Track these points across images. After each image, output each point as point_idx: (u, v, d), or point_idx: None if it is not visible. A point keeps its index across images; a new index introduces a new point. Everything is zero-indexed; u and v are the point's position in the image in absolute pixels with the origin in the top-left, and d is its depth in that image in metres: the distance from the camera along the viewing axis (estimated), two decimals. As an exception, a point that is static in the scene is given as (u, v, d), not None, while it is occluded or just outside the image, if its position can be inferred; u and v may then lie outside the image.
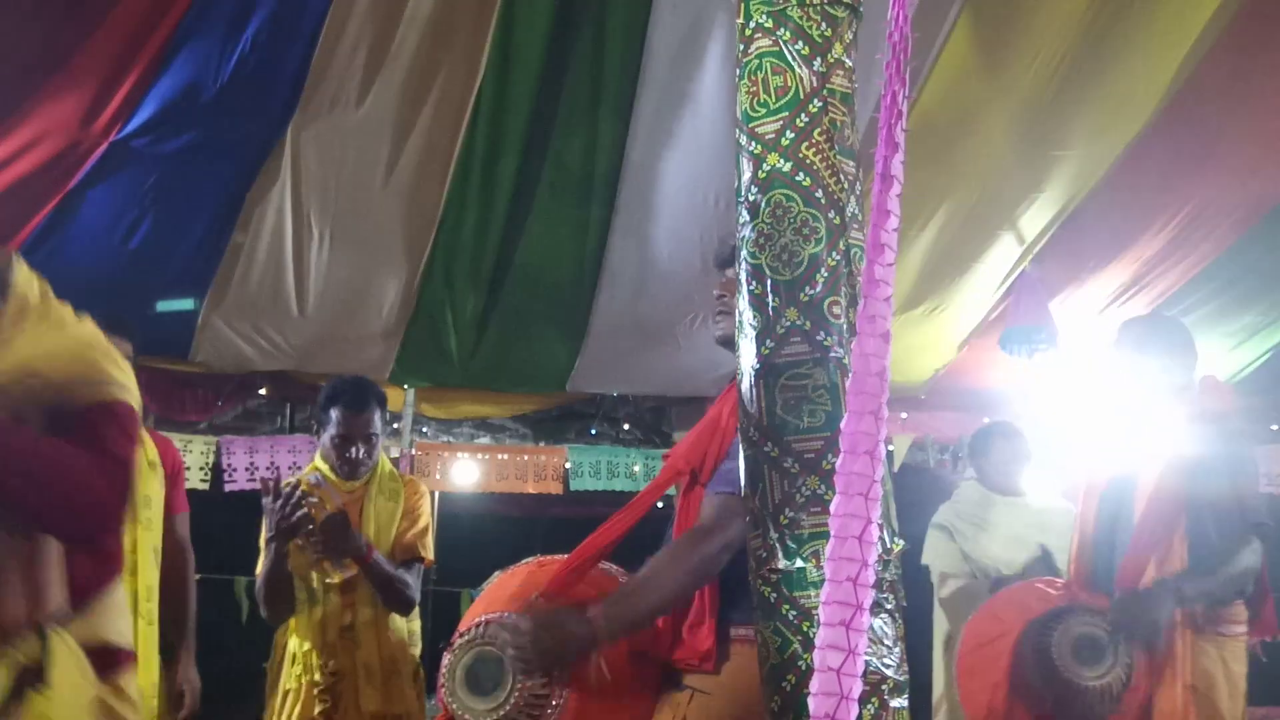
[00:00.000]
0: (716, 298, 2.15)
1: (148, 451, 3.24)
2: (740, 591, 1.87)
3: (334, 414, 3.10)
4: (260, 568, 2.92)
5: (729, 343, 2.12)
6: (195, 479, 4.96)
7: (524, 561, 2.07)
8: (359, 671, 2.96)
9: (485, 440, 6.11)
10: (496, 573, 2.10)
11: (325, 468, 3.16)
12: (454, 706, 1.79)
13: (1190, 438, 2.80)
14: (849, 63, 1.43)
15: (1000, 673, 2.56)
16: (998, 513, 3.91)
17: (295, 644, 2.99)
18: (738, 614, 1.89)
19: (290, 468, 5.18)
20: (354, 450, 3.10)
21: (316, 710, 2.91)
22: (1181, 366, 2.92)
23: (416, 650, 3.18)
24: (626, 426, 6.17)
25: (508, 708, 1.77)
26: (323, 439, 3.16)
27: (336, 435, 3.09)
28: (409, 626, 3.16)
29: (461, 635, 1.82)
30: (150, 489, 3.11)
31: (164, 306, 4.48)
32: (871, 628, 1.24)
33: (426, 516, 3.24)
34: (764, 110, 1.41)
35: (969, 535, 3.90)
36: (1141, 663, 2.59)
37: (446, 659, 1.82)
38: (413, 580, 3.10)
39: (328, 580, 2.96)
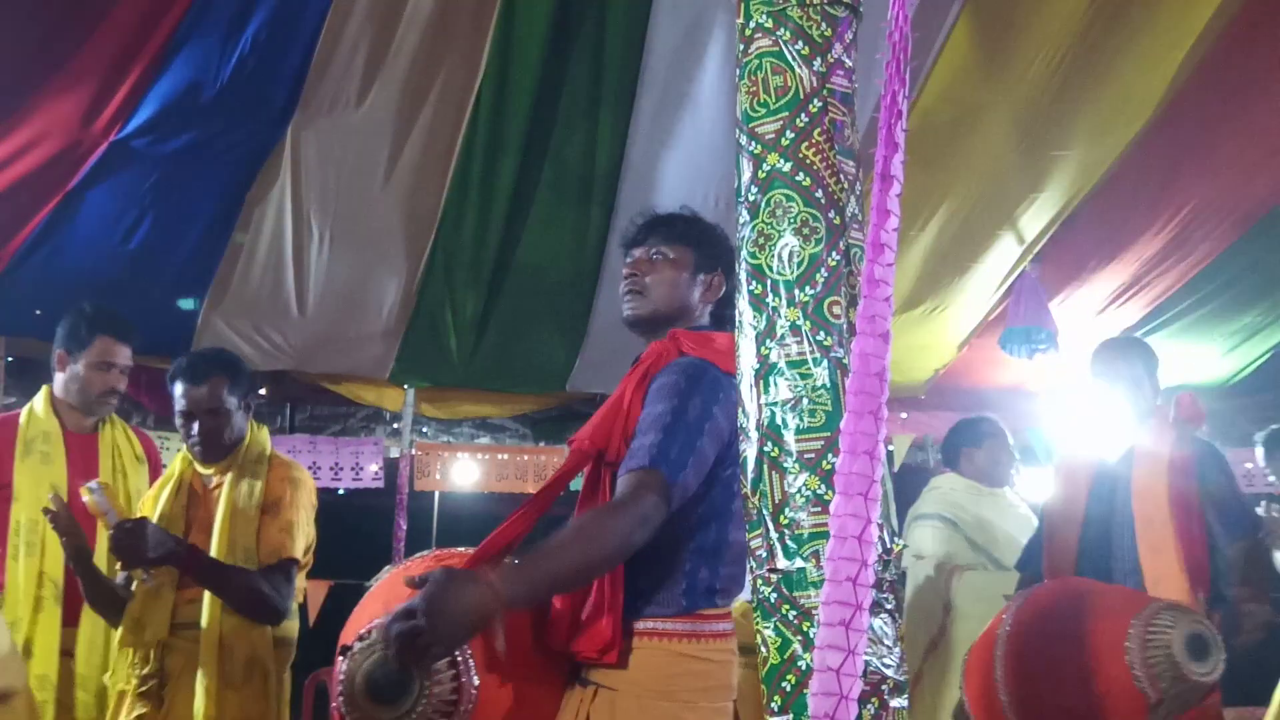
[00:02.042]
0: (626, 276, 2.09)
1: (134, 447, 3.21)
2: (649, 581, 1.81)
3: (174, 389, 2.82)
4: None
5: (637, 324, 2.08)
6: (195, 479, 4.96)
7: (419, 555, 1.90)
8: (217, 673, 2.63)
9: (485, 440, 6.11)
10: (387, 568, 1.93)
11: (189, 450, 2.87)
12: (354, 717, 1.62)
13: (1178, 443, 2.98)
14: (849, 63, 1.43)
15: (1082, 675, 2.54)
16: (989, 504, 3.93)
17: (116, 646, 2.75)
18: (645, 605, 1.81)
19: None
20: (195, 425, 2.78)
21: (134, 715, 2.63)
22: (1154, 384, 3.18)
23: (289, 658, 2.86)
24: (626, 426, 6.17)
25: (414, 715, 1.59)
26: (62, 366, 2.92)
27: (178, 412, 2.80)
28: (282, 630, 2.81)
29: (360, 640, 1.65)
30: (139, 483, 3.10)
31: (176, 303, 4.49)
32: (871, 628, 1.24)
33: (293, 507, 2.83)
34: (764, 110, 1.41)
35: (972, 525, 3.89)
36: None
37: (344, 666, 1.64)
38: (270, 587, 2.71)
39: (145, 583, 2.68)
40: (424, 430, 5.86)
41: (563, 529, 1.70)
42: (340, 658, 1.65)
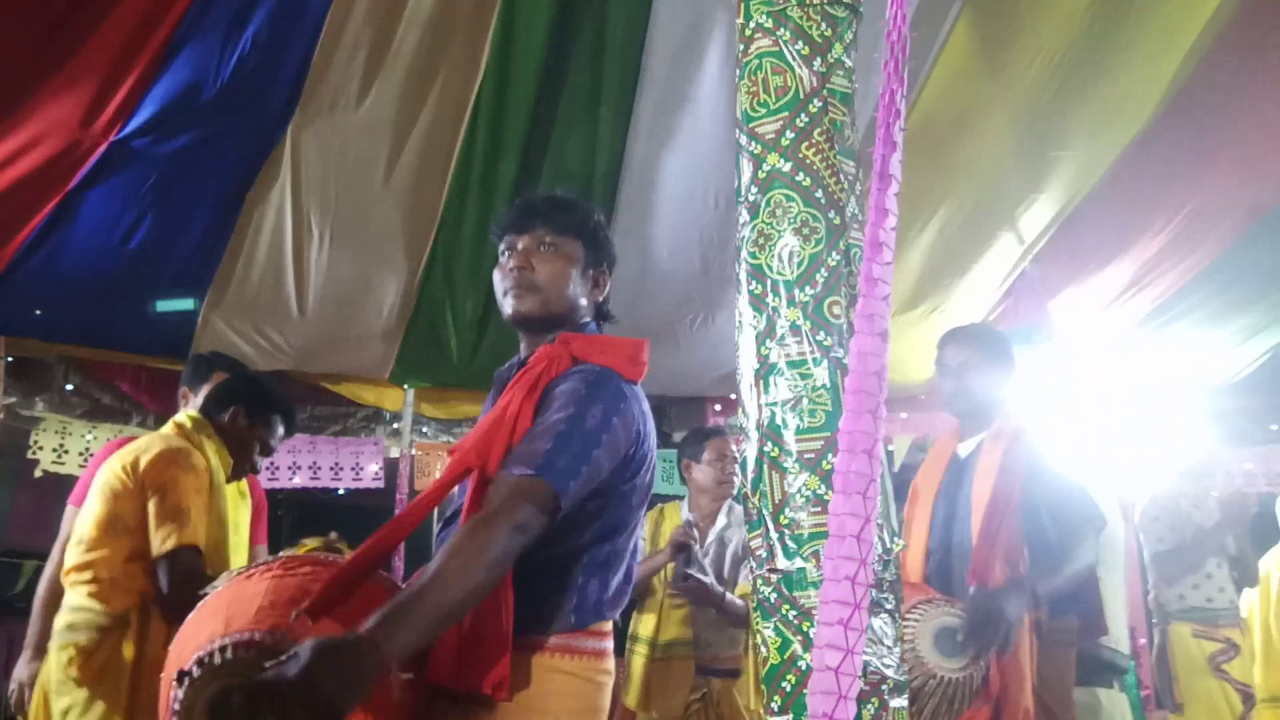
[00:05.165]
0: (512, 267, 1.88)
1: (239, 483, 3.20)
2: (538, 599, 1.67)
3: (277, 425, 3.10)
4: None
5: (528, 322, 1.90)
6: (195, 479, 4.96)
7: (264, 561, 1.70)
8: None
9: (485, 440, 6.10)
10: (225, 576, 1.72)
11: (206, 449, 2.93)
12: None
13: (1019, 438, 2.85)
14: (849, 63, 1.43)
15: None
16: None
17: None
18: (533, 623, 1.66)
19: (290, 467, 5.18)
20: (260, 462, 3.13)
21: None
22: (1005, 374, 3.02)
23: None
24: (626, 426, 6.16)
25: None
26: (234, 422, 3.02)
27: (266, 444, 3.08)
28: None
29: (200, 663, 1.44)
30: (239, 517, 3.10)
31: (164, 306, 4.48)
32: (871, 627, 1.24)
33: None
34: (764, 110, 1.41)
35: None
36: (995, 661, 2.52)
37: (180, 694, 1.43)
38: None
39: None
40: (424, 430, 5.86)
41: (436, 557, 1.53)
42: (176, 684, 1.45)
